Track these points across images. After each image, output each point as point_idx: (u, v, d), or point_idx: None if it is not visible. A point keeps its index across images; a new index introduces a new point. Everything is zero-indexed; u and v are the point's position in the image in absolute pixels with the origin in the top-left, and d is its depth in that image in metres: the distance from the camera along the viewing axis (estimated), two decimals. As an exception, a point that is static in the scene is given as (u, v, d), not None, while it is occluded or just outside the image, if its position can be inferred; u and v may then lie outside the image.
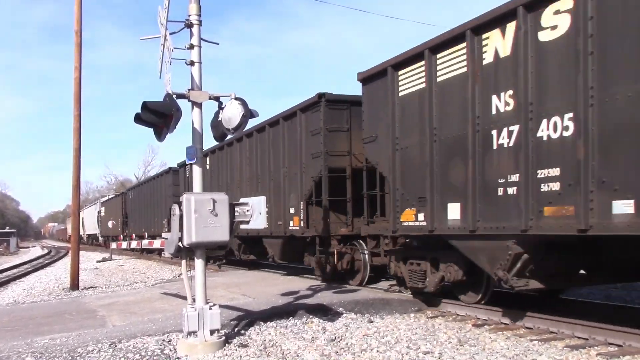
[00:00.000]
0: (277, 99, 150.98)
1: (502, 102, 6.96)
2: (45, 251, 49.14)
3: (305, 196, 11.97)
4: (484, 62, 7.20)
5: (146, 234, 27.10)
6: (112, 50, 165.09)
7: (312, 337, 7.10)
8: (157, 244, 20.55)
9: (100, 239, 45.70)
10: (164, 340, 6.97)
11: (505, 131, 6.90)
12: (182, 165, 21.56)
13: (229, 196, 6.68)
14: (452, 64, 7.75)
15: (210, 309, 6.58)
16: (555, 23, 6.27)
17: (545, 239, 6.78)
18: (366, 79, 9.63)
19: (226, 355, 6.31)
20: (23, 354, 6.48)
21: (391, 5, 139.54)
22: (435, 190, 8.07)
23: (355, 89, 10.74)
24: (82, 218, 48.39)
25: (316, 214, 11.85)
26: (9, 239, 59.05)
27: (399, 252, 9.50)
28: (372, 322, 8.15)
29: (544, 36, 6.40)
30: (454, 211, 7.72)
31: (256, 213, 6.86)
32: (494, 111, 7.07)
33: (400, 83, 8.77)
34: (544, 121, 6.39)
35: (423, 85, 8.26)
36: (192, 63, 6.71)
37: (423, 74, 8.24)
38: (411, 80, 8.55)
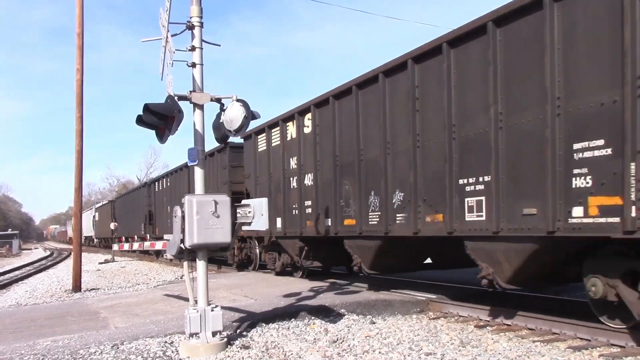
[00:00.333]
0: (278, 100, 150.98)
1: (292, 163, 12.06)
2: (48, 253, 49.18)
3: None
4: (287, 139, 12.24)
5: (135, 237, 30.75)
6: (113, 52, 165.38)
7: (314, 339, 7.10)
8: (158, 245, 20.61)
9: (95, 240, 52.03)
10: (166, 341, 6.97)
11: (294, 180, 12.00)
12: (153, 180, 29.24)
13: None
14: (276, 136, 12.78)
15: (212, 310, 6.58)
16: (307, 124, 11.36)
17: None
18: (244, 137, 14.50)
19: (228, 357, 6.31)
20: (25, 356, 6.48)
21: (392, 6, 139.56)
22: (272, 212, 12.33)
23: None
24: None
25: None
26: (12, 240, 59.16)
27: (266, 247, 14.68)
28: (374, 323, 8.15)
29: (305, 130, 11.50)
30: (279, 222, 12.75)
31: (258, 214, 6.87)
32: (291, 167, 12.11)
33: (258, 143, 13.79)
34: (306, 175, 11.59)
35: (265, 147, 13.36)
36: (193, 65, 6.72)
37: (264, 139, 13.35)
38: (261, 142, 13.62)
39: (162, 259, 25.96)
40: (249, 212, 6.86)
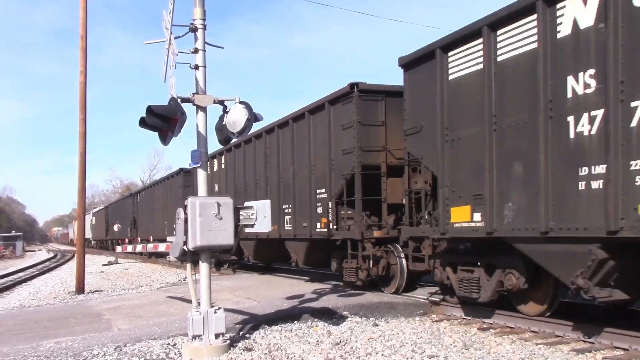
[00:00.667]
0: (282, 101, 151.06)
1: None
2: (51, 255, 49.26)
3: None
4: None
5: (126, 240, 34.64)
6: (116, 53, 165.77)
7: (317, 341, 7.09)
8: (162, 247, 20.66)
9: (93, 242, 55.79)
10: (169, 344, 6.97)
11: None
12: (137, 191, 35.27)
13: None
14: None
15: (215, 312, 6.58)
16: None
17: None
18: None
19: (231, 359, 6.31)
20: (29, 357, 6.50)
21: (395, 8, 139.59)
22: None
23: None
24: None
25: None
26: (15, 242, 59.37)
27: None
28: (377, 325, 8.14)
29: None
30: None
31: (261, 216, 6.87)
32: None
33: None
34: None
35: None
36: (196, 67, 6.73)
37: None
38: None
39: (165, 261, 25.98)
40: (252, 214, 6.87)
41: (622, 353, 6.17)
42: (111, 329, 8.22)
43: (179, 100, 6.50)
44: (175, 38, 6.62)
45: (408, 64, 8.89)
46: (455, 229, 7.83)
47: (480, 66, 7.41)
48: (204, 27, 6.77)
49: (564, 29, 6.27)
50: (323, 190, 11.62)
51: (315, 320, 8.27)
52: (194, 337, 6.50)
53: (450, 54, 7.97)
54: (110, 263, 29.66)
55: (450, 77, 7.97)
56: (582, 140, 6.01)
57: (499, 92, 7.14)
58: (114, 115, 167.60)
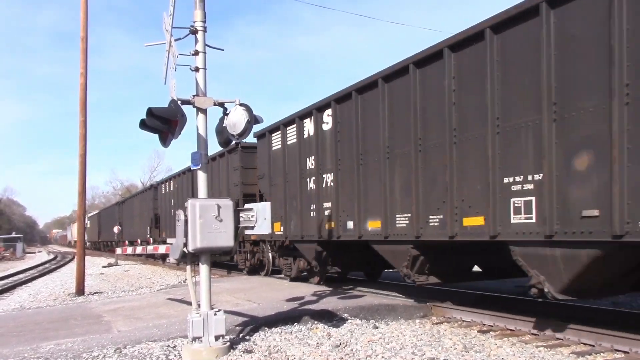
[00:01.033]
0: (282, 104, 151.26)
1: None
2: (51, 256, 49.30)
3: None
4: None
5: (112, 242, 42.10)
6: (117, 55, 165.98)
7: (317, 343, 7.09)
8: (162, 249, 20.65)
9: (87, 243, 58.69)
10: (168, 345, 6.97)
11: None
12: (122, 200, 41.49)
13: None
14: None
15: (215, 314, 6.58)
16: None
17: None
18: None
19: (231, 361, 6.31)
20: (29, 359, 6.50)
21: (396, 10, 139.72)
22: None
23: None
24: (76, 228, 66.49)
25: None
26: (16, 244, 59.46)
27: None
28: (377, 328, 8.13)
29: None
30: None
31: (261, 219, 6.87)
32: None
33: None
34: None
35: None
36: (196, 69, 6.74)
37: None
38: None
39: (165, 263, 25.99)
40: (252, 216, 6.87)
41: (622, 356, 6.17)
42: (111, 331, 8.21)
43: (179, 102, 6.51)
44: (176, 40, 6.63)
45: (258, 136, 14.12)
46: (276, 235, 13.25)
47: (280, 145, 12.89)
48: (205, 30, 6.78)
49: (306, 133, 11.74)
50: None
51: (315, 322, 8.26)
52: (194, 339, 6.49)
53: (272, 135, 13.25)
54: (110, 265, 29.67)
55: (273, 148, 13.29)
56: (311, 191, 11.50)
57: (289, 161, 12.51)
58: (115, 117, 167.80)
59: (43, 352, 6.80)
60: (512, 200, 6.75)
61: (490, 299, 9.78)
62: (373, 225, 9.50)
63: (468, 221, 7.44)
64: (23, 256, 55.95)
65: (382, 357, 6.38)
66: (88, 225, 55.25)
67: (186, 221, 6.38)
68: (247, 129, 6.70)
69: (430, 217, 8.14)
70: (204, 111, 6.77)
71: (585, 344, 6.70)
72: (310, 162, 11.49)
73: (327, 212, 10.93)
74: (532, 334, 7.39)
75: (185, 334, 6.93)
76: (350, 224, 10.14)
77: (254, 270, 16.43)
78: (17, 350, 6.97)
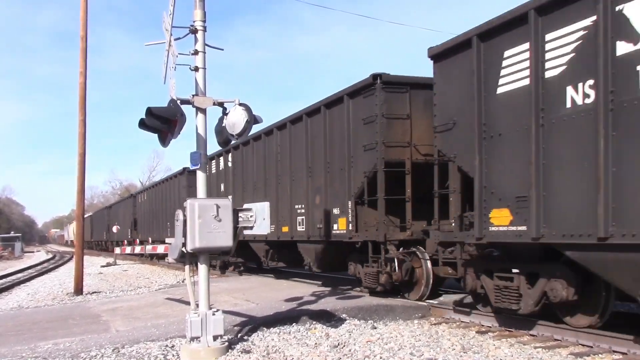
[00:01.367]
0: (282, 104, 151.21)
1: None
2: (50, 256, 49.22)
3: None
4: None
5: (102, 242, 48.15)
6: (118, 56, 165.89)
7: (316, 344, 7.09)
8: (160, 249, 20.66)
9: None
10: (167, 345, 6.97)
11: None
12: (110, 205, 46.44)
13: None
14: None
15: (213, 314, 6.58)
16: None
17: None
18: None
19: (229, 361, 6.31)
20: (27, 358, 6.50)
21: (397, 11, 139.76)
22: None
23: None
24: (73, 228, 79.42)
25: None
26: (14, 243, 59.35)
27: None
28: (375, 328, 8.13)
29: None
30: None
31: (260, 219, 6.87)
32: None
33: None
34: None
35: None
36: (196, 69, 6.73)
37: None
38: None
39: (164, 262, 25.99)
40: (251, 216, 6.87)
41: (620, 357, 6.17)
42: (109, 331, 8.21)
43: (178, 101, 6.50)
44: (176, 40, 6.63)
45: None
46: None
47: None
48: (204, 29, 6.78)
49: (219, 167, 14.64)
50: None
51: (314, 322, 8.26)
52: (192, 339, 6.49)
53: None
54: (108, 264, 29.63)
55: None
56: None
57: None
58: (114, 117, 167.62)
59: (41, 352, 6.79)
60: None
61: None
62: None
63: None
64: (21, 255, 55.83)
65: (381, 358, 6.37)
66: None
67: (185, 221, 6.37)
68: (246, 129, 6.69)
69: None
70: (204, 111, 6.77)
71: (583, 345, 6.69)
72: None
73: None
74: (531, 334, 7.39)
75: (183, 333, 6.92)
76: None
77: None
78: (15, 350, 6.96)
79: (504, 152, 7.04)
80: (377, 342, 7.15)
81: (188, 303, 7.17)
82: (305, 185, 12.10)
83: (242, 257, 16.89)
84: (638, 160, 5.46)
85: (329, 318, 8.52)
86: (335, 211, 10.95)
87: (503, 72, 6.98)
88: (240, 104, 6.71)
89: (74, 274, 15.80)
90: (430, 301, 9.57)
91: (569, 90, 6.15)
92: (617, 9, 5.64)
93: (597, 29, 5.80)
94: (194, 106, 6.70)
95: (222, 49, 7.06)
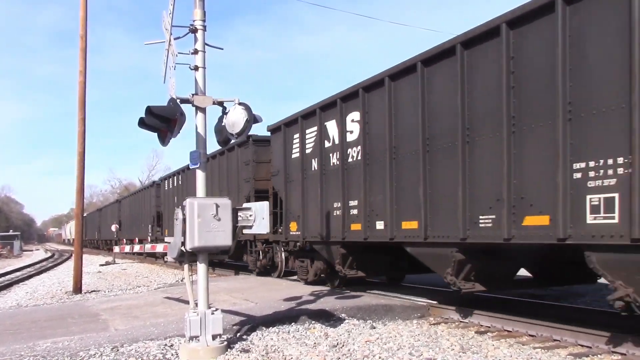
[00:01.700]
0: (281, 103, 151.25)
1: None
2: (49, 254, 49.20)
3: None
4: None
5: (95, 240, 53.69)
6: (118, 55, 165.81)
7: (315, 343, 7.09)
8: (159, 247, 20.65)
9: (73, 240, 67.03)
10: (165, 344, 6.96)
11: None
12: (103, 206, 49.79)
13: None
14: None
15: (212, 313, 6.58)
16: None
17: None
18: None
19: (228, 360, 6.30)
20: (25, 357, 6.48)
21: (397, 11, 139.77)
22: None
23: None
24: (70, 227, 76.18)
25: None
26: (13, 242, 59.29)
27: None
28: (374, 328, 8.13)
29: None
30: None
31: (259, 218, 6.87)
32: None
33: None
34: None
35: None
36: (196, 68, 6.73)
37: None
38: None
39: (163, 261, 26.00)
40: (250, 215, 6.86)
41: (619, 357, 6.18)
42: (108, 329, 8.20)
43: (178, 101, 6.50)
44: (175, 39, 6.62)
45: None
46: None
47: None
48: (204, 28, 6.78)
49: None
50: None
51: (313, 322, 8.26)
52: (191, 338, 6.48)
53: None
54: (107, 263, 29.64)
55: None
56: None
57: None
58: (114, 116, 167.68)
59: (40, 351, 6.78)
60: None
61: (489, 299, 9.78)
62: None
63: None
64: (20, 254, 55.81)
65: (380, 358, 6.37)
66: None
67: (184, 220, 6.37)
68: (246, 128, 6.69)
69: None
70: (203, 110, 6.76)
71: (582, 345, 6.70)
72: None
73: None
74: (530, 335, 7.39)
75: (182, 332, 6.92)
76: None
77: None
78: (13, 348, 6.95)
79: (293, 190, 12.29)
80: (376, 342, 7.15)
81: (187, 302, 7.16)
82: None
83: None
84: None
85: (328, 318, 8.52)
86: None
87: (294, 146, 12.11)
88: (240, 104, 6.71)
89: (73, 273, 15.80)
90: (430, 301, 9.66)
91: (313, 161, 11.36)
92: (325, 124, 10.83)
93: (320, 133, 10.95)
94: (193, 105, 6.70)
95: (222, 49, 7.07)
